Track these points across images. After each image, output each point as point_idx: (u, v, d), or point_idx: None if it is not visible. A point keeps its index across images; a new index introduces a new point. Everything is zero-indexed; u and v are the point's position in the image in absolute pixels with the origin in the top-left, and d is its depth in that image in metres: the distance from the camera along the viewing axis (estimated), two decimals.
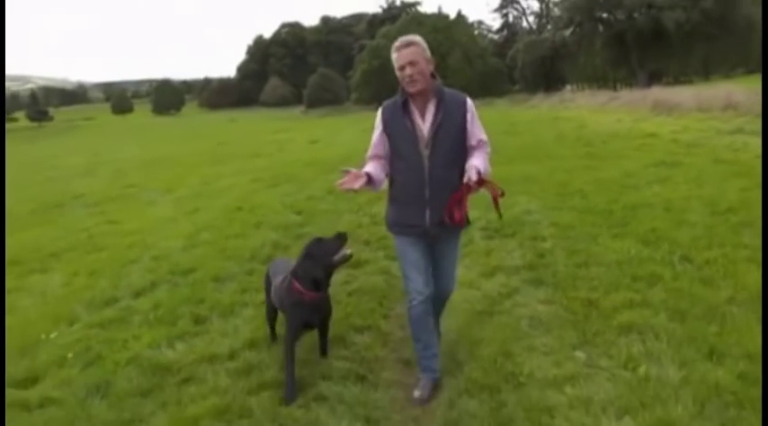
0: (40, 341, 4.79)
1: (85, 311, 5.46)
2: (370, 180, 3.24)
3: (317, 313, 3.69)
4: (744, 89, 19.47)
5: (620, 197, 7.94)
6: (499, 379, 3.49)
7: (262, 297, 4.66)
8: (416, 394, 3.49)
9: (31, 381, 4.08)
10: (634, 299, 4.34)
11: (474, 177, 3.12)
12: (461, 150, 3.37)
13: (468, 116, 3.36)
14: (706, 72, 52.40)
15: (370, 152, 3.44)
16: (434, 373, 3.58)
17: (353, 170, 3.21)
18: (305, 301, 3.58)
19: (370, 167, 3.34)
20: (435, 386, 3.55)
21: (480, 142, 3.40)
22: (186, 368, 4.03)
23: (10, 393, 3.88)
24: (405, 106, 3.34)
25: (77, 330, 4.99)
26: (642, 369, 3.35)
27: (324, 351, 3.98)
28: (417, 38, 3.36)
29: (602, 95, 34.56)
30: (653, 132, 15.90)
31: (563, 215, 7.22)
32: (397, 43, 3.35)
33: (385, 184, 3.43)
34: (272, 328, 4.30)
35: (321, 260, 3.54)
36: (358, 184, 3.16)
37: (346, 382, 3.65)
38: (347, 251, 3.56)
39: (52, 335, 4.90)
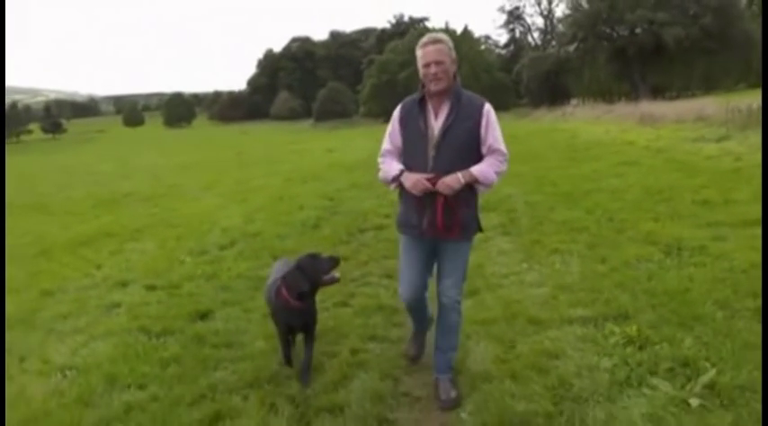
0: (174, 267, 7.11)
1: (189, 257, 7.73)
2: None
3: (300, 319, 3.73)
4: (715, 103, 21.73)
5: (581, 185, 10.24)
6: (477, 279, 5.72)
7: (319, 241, 6.94)
8: (410, 350, 3.91)
9: (176, 286, 6.34)
10: (565, 238, 6.69)
11: (434, 182, 3.20)
12: (471, 156, 3.26)
13: (483, 121, 3.24)
14: (707, 87, 53.77)
15: (385, 145, 3.47)
16: (424, 329, 3.91)
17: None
18: (290, 307, 3.65)
19: (396, 164, 3.40)
20: (424, 344, 3.91)
21: (491, 148, 3.28)
22: None
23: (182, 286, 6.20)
24: (421, 104, 3.32)
25: (190, 265, 7.26)
26: (556, 267, 5.67)
27: (307, 367, 3.76)
28: (444, 36, 3.30)
29: (598, 109, 36.84)
30: (631, 140, 18.17)
31: (534, 196, 9.55)
32: (423, 39, 3.29)
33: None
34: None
35: (310, 275, 3.62)
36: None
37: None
38: (336, 274, 3.68)
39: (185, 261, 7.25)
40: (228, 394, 3.68)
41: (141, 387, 3.90)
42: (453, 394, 3.42)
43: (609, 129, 23.73)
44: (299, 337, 3.98)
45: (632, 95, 48.57)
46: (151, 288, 6.36)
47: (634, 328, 3.96)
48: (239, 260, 7.21)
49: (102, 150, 55.82)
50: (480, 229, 3.49)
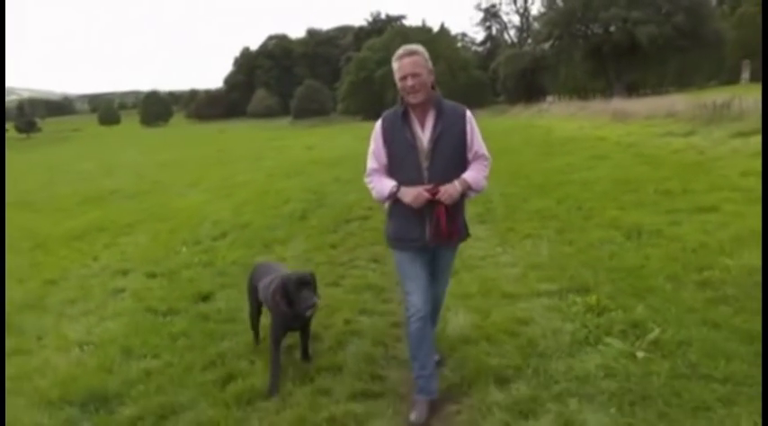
0: (170, 256, 7.54)
1: (184, 247, 8.15)
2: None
3: (299, 321, 3.76)
4: (685, 100, 22.50)
5: (554, 178, 10.83)
6: (456, 261, 6.22)
7: (307, 230, 7.40)
8: (413, 416, 3.30)
9: (175, 272, 6.76)
10: (537, 225, 7.27)
11: (434, 193, 3.21)
12: (461, 162, 3.32)
13: (468, 128, 3.31)
14: (680, 84, 54.91)
15: (370, 165, 3.40)
16: (432, 394, 3.42)
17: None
18: (284, 312, 3.67)
19: (390, 181, 3.35)
20: (432, 408, 3.38)
21: (477, 154, 3.35)
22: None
23: (180, 272, 6.63)
24: (405, 116, 3.29)
25: (186, 254, 7.69)
26: (528, 250, 6.21)
27: (305, 354, 4.01)
28: (420, 47, 3.28)
29: (573, 106, 37.62)
30: (603, 136, 18.83)
31: (509, 188, 10.11)
32: (399, 51, 3.28)
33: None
34: (256, 332, 4.41)
35: (296, 309, 3.60)
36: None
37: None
38: (315, 299, 3.61)
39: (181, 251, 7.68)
40: (237, 360, 4.14)
41: (155, 357, 4.35)
42: (436, 357, 3.65)
43: (583, 126, 24.40)
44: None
45: (607, 93, 49.53)
46: (151, 275, 6.79)
47: (594, 298, 4.51)
48: (232, 248, 7.66)
49: (79, 149, 55.45)
50: (468, 233, 3.60)
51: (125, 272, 7.09)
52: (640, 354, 3.61)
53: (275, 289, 3.72)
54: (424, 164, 3.24)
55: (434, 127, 3.25)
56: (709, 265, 5.08)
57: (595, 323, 4.13)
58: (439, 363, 3.75)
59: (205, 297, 5.67)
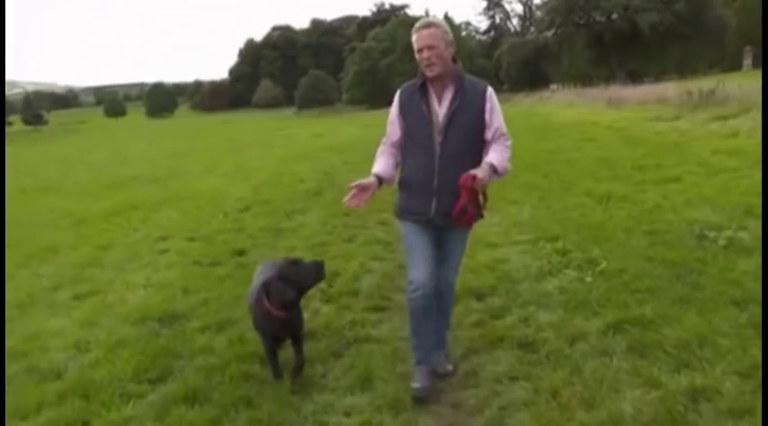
0: (203, 225, 8.67)
1: (214, 219, 9.25)
2: (381, 182, 3.28)
3: (286, 328, 3.56)
4: (677, 87, 23.47)
5: (543, 157, 11.91)
6: None
7: (322, 203, 8.50)
8: (416, 384, 3.34)
9: (210, 237, 7.87)
10: (522, 195, 8.37)
11: (471, 179, 3.06)
12: (477, 140, 3.26)
13: (488, 106, 3.23)
14: (683, 71, 55.32)
15: (387, 133, 3.42)
16: (431, 365, 3.50)
17: (363, 181, 3.21)
18: (273, 318, 3.47)
19: (379, 165, 3.35)
20: (432, 375, 3.47)
21: (497, 133, 3.26)
22: (288, 230, 7.90)
23: (215, 237, 7.75)
24: (422, 89, 3.26)
25: (217, 223, 8.79)
26: (512, 212, 7.32)
27: (298, 369, 3.63)
28: (438, 20, 3.26)
29: (572, 93, 38.66)
30: (596, 121, 19.93)
31: None
32: (417, 24, 3.23)
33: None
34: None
35: (294, 283, 3.45)
36: (366, 197, 3.23)
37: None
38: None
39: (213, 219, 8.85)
40: None
41: (208, 291, 5.46)
42: (449, 367, 3.65)
43: (581, 112, 25.43)
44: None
45: (610, 80, 50.11)
46: (190, 239, 7.91)
47: (560, 244, 5.64)
48: (258, 218, 8.77)
49: (88, 140, 56.45)
50: (482, 215, 3.40)
51: (166, 238, 8.18)
52: (588, 278, 4.72)
53: (256, 294, 3.59)
54: (438, 138, 3.21)
55: (452, 102, 3.21)
56: (659, 220, 6.18)
57: (558, 261, 5.25)
58: (450, 373, 3.64)
59: (240, 252, 6.80)
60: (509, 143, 3.33)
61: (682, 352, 3.33)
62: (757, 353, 3.18)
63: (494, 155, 3.22)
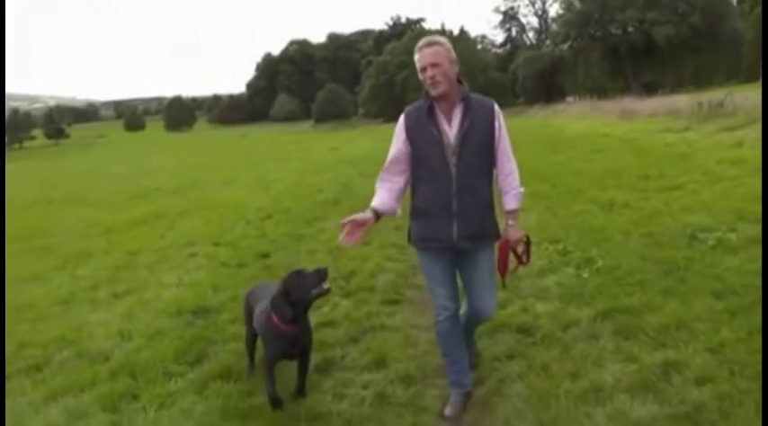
0: (227, 232, 9.17)
1: (237, 226, 9.77)
2: (378, 216, 3.21)
3: (295, 345, 3.54)
4: (688, 99, 23.78)
5: (553, 168, 12.34)
6: None
7: (340, 211, 8.98)
8: (447, 411, 3.33)
9: (235, 242, 8.37)
10: (531, 203, 8.68)
11: (507, 244, 3.38)
12: (490, 158, 3.23)
13: (497, 123, 3.20)
14: (699, 83, 54.87)
15: (389, 159, 3.29)
16: (465, 387, 3.43)
17: (358, 217, 3.14)
18: (283, 334, 3.46)
19: (378, 199, 3.27)
20: (466, 401, 3.41)
21: (503, 155, 3.28)
22: (308, 236, 8.37)
23: (240, 242, 8.25)
24: (430, 111, 3.17)
25: (240, 230, 9.30)
26: (520, 221, 7.69)
27: (301, 389, 3.68)
28: (441, 38, 3.20)
29: (586, 106, 38.95)
30: (607, 133, 20.24)
31: None
32: (420, 43, 3.18)
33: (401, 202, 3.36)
34: (252, 357, 4.09)
35: (298, 294, 3.40)
36: (361, 234, 3.15)
37: None
38: (326, 285, 3.43)
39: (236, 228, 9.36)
40: None
41: (237, 289, 5.91)
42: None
43: (592, 124, 25.70)
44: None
45: (626, 92, 50.11)
46: (216, 244, 8.42)
47: (561, 245, 6.07)
48: (279, 225, 9.28)
49: (108, 154, 57.55)
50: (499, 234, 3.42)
51: (193, 244, 8.70)
52: (585, 275, 5.15)
53: (273, 298, 3.52)
54: (452, 160, 3.11)
55: (462, 121, 3.13)
56: (656, 224, 6.58)
57: (559, 260, 5.69)
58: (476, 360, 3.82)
59: (265, 255, 7.30)
60: (517, 174, 3.38)
61: (661, 335, 3.76)
62: (728, 333, 3.60)
63: (510, 199, 3.41)
